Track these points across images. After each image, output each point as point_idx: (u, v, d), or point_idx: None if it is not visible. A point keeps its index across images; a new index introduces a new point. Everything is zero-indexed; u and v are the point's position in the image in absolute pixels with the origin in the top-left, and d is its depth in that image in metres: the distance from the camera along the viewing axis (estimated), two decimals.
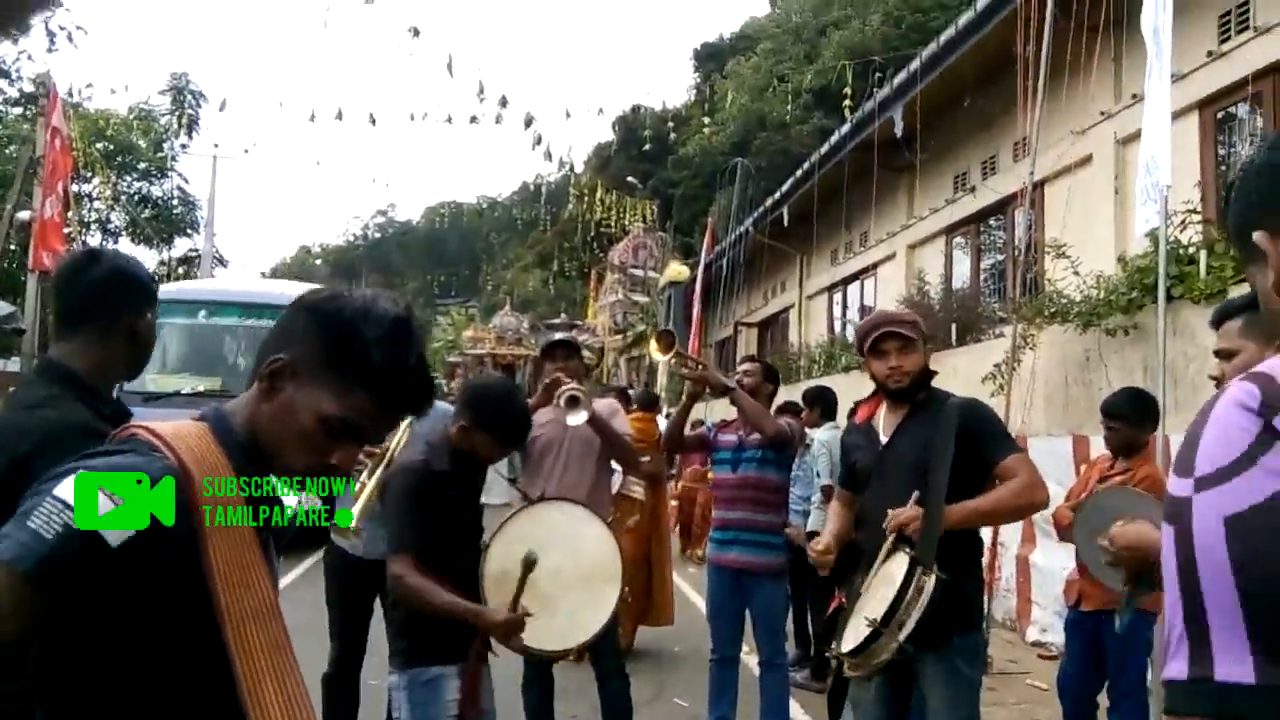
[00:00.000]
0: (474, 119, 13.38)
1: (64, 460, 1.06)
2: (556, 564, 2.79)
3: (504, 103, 12.12)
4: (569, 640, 2.89)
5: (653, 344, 4.00)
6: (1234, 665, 0.66)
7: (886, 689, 2.72)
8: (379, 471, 3.10)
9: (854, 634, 2.54)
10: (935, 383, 2.91)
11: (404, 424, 3.32)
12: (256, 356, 1.19)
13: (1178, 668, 0.70)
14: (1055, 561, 5.52)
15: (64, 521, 0.97)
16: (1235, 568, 0.68)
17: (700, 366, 3.97)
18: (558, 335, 3.71)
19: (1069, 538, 3.77)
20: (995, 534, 6.10)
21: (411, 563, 2.54)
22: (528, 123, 12.67)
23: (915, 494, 2.56)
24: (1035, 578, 6.15)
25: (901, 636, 2.39)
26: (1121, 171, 7.54)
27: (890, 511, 2.55)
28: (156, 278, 2.02)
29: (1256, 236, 0.83)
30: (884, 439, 2.84)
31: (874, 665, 2.48)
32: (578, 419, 3.39)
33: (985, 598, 5.86)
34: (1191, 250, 5.33)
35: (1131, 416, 3.68)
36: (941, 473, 2.54)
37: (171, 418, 1.19)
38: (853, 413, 4.41)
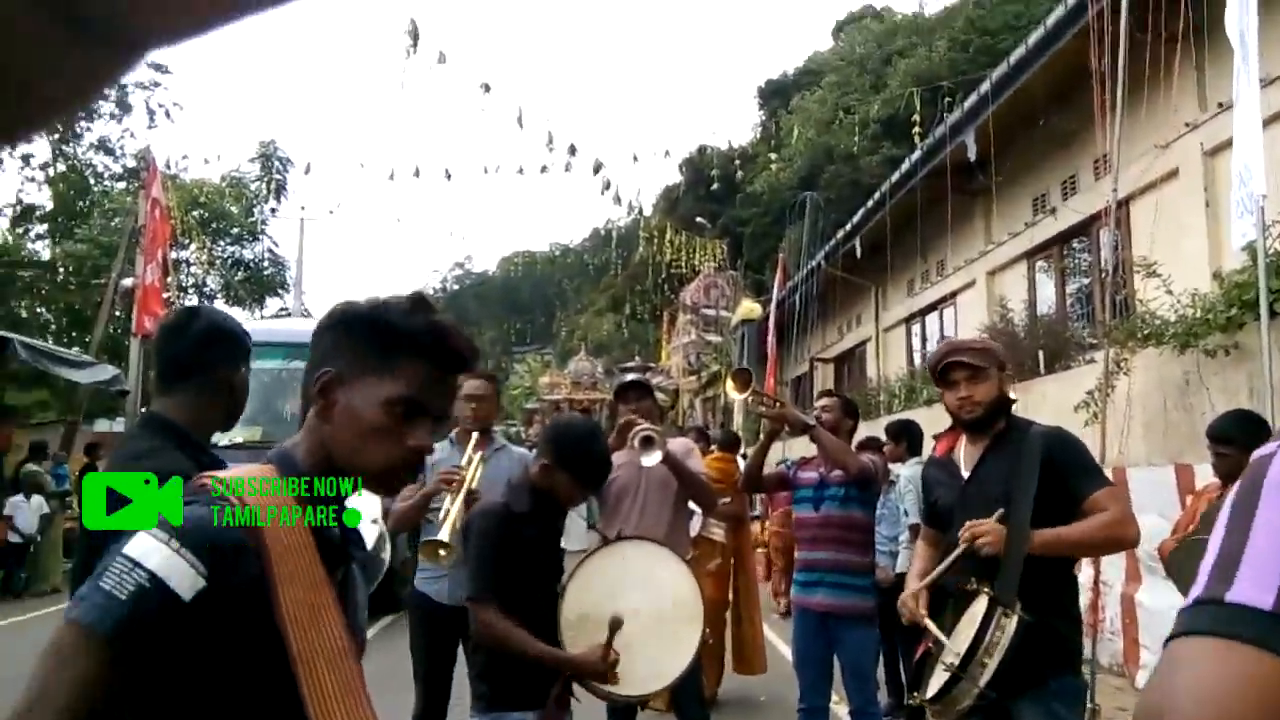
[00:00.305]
0: (544, 168, 13.66)
1: None
2: (635, 605, 2.74)
3: (573, 151, 12.35)
4: (650, 685, 2.82)
5: (729, 383, 3.95)
6: (1254, 591, 0.56)
7: None
8: (461, 495, 3.16)
9: (936, 679, 2.42)
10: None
11: (477, 456, 3.38)
12: (302, 391, 1.22)
13: (1189, 599, 0.61)
14: (1164, 600, 5.19)
15: (136, 581, 0.98)
16: None
17: (778, 404, 3.90)
18: (629, 377, 3.70)
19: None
20: (1097, 572, 5.79)
21: (494, 608, 2.55)
22: (596, 169, 12.90)
23: (999, 511, 2.45)
24: (1143, 618, 5.79)
25: (982, 681, 2.27)
26: (1211, 184, 7.22)
27: (968, 522, 2.44)
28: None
29: None
30: (965, 473, 2.72)
31: (956, 712, 2.35)
32: (652, 459, 3.35)
33: (1090, 640, 5.57)
34: None
35: (1241, 440, 3.45)
36: (1024, 505, 2.42)
37: None
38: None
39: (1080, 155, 9.48)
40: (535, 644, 2.53)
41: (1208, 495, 3.73)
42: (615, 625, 2.57)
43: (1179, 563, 3.14)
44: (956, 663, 2.30)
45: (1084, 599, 5.97)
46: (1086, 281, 9.78)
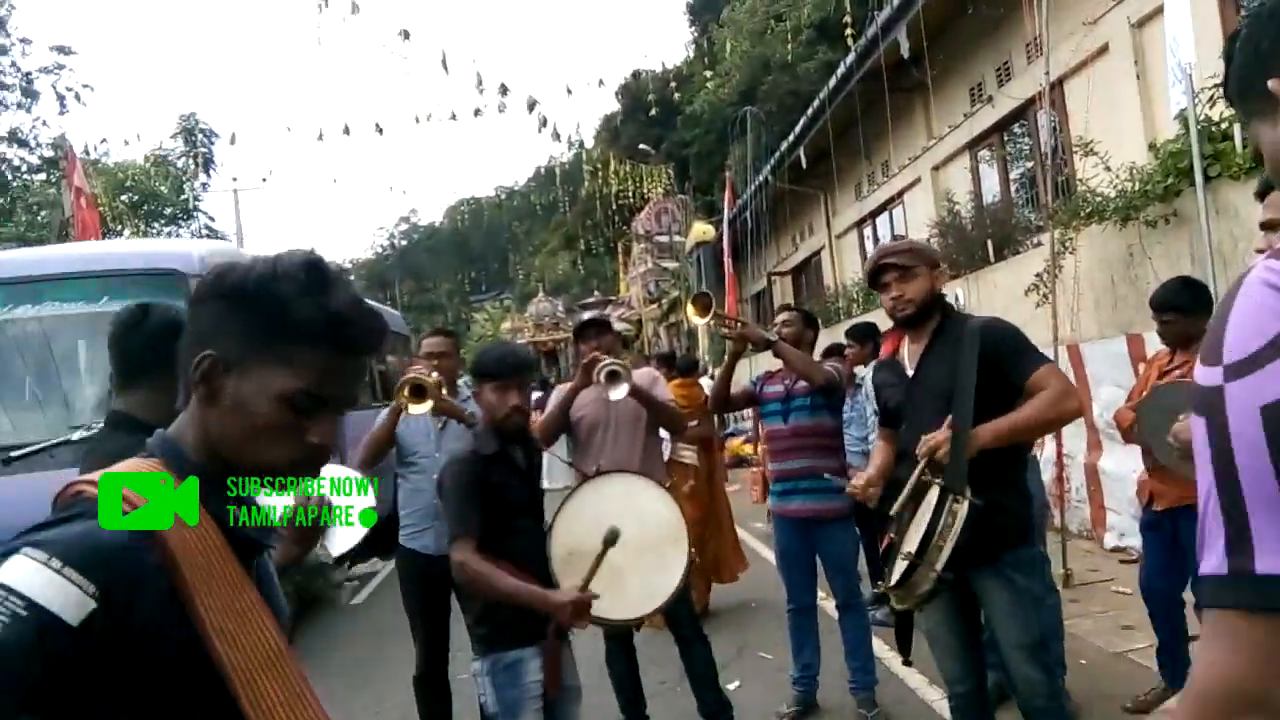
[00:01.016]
0: (478, 111, 13.34)
1: None
2: (621, 535, 2.83)
3: (504, 90, 12.09)
4: (643, 608, 2.93)
5: (690, 308, 4.00)
6: (1275, 558, 0.63)
7: (954, 616, 2.72)
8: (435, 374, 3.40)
9: (897, 568, 2.56)
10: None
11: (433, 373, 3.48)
12: (180, 368, 1.07)
13: (1215, 562, 0.68)
14: (1124, 465, 5.42)
15: (10, 610, 0.85)
16: (1276, 457, 0.64)
17: (739, 324, 3.96)
18: (586, 315, 3.72)
19: (1134, 439, 3.70)
20: (1060, 446, 6.01)
21: (473, 548, 2.59)
22: (530, 106, 12.64)
23: (949, 418, 2.54)
24: (1106, 484, 6.05)
25: (939, 565, 2.40)
26: (1141, 56, 7.27)
27: (923, 438, 2.55)
28: None
29: (1273, 84, 0.77)
30: (910, 371, 2.81)
31: (918, 596, 2.49)
32: (619, 393, 3.40)
33: (1058, 509, 5.80)
34: (1224, 126, 5.13)
35: (1184, 306, 3.57)
36: (965, 399, 2.51)
37: None
38: None
39: (1012, 39, 9.47)
40: (511, 582, 2.57)
41: (1158, 362, 3.85)
42: (610, 539, 2.63)
43: (1145, 427, 3.27)
44: (914, 551, 2.43)
45: (1049, 473, 6.21)
46: (1029, 167, 9.88)
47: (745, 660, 4.85)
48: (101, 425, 1.98)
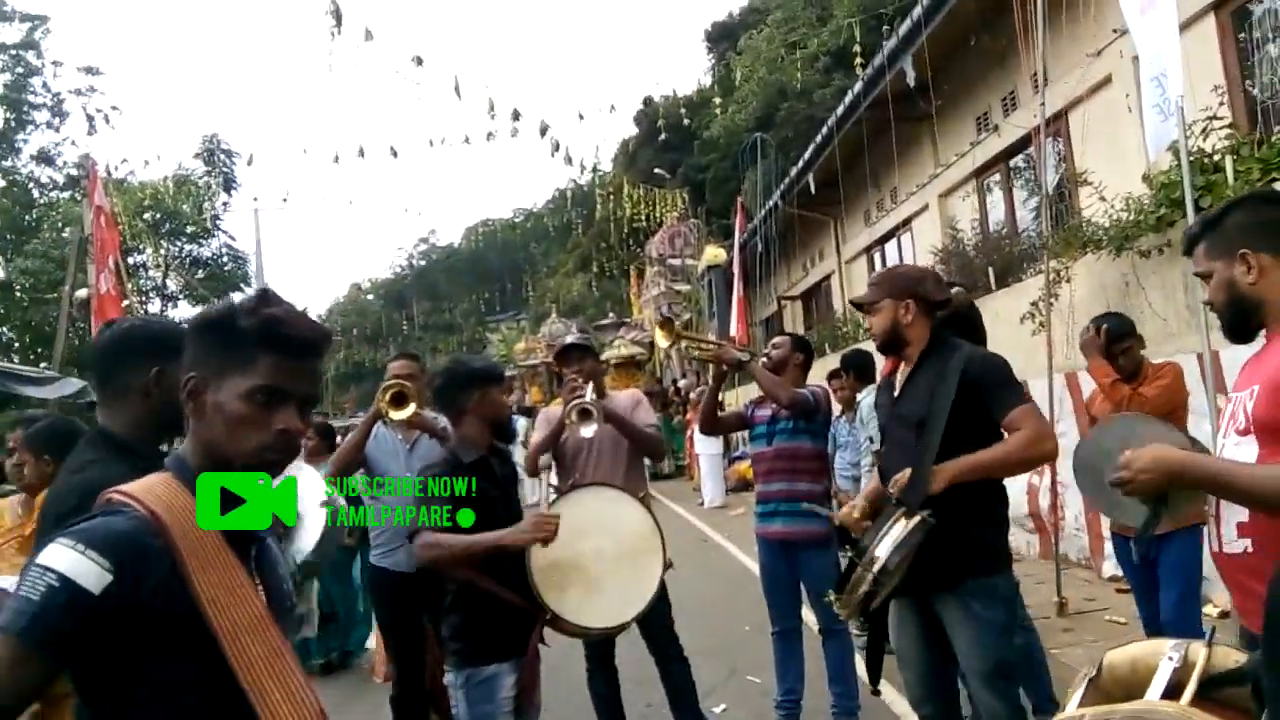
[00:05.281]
0: (490, 135, 13.52)
1: None
2: (598, 545, 2.94)
3: (516, 115, 12.22)
4: (621, 616, 2.99)
5: (657, 333, 4.06)
6: None
7: (922, 639, 2.75)
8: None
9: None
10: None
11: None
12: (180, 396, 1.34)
13: None
14: None
15: (46, 584, 1.11)
16: None
17: (715, 345, 4.03)
18: (568, 339, 3.75)
19: None
20: (1054, 474, 5.99)
21: (430, 531, 2.67)
22: (543, 131, 12.77)
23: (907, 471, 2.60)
24: None
25: (874, 569, 2.42)
26: (1139, 89, 7.31)
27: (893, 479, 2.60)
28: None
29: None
30: (897, 393, 2.86)
31: (857, 599, 2.48)
32: (589, 430, 3.41)
33: (1053, 537, 5.77)
34: (1216, 158, 5.15)
35: (1135, 332, 3.70)
36: (938, 421, 2.53)
37: None
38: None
39: (1017, 70, 9.50)
40: (466, 538, 2.64)
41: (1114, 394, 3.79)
42: None
43: (1081, 473, 2.99)
44: (856, 553, 2.51)
45: (1045, 500, 6.19)
46: (1035, 194, 9.90)
47: (734, 684, 4.85)
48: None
